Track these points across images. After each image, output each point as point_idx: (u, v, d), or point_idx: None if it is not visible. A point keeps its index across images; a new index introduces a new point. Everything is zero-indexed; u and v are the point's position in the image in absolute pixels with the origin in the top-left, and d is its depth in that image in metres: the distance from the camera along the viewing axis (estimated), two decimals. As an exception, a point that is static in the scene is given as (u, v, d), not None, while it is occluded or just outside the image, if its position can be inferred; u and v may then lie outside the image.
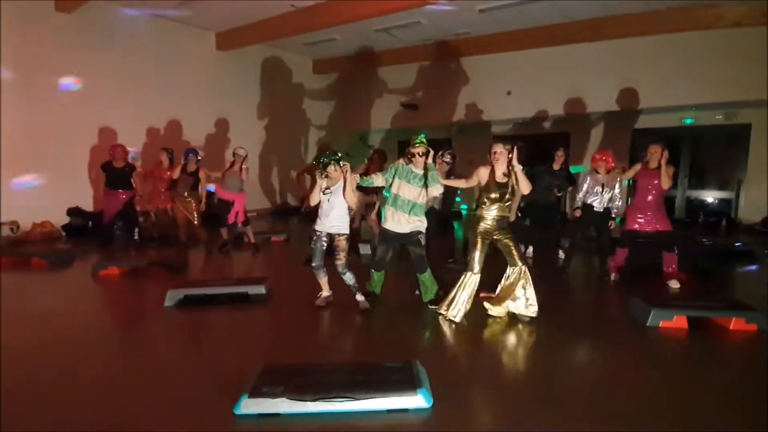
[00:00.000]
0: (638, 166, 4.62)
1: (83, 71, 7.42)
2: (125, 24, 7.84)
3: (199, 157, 5.97)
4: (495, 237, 3.49)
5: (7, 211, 6.67)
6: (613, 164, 4.72)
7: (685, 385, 2.52)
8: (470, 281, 3.46)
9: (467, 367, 2.76)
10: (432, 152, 3.57)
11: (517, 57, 9.22)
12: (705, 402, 2.33)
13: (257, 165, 10.24)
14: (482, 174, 3.47)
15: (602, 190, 4.69)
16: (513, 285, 3.47)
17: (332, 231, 3.61)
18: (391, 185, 3.64)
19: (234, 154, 6.00)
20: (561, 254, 5.69)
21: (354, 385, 2.23)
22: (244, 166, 5.95)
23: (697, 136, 9.06)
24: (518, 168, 3.33)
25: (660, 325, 3.31)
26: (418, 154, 3.51)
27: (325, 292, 3.81)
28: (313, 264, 3.69)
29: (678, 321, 3.31)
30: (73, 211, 7.38)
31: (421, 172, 3.58)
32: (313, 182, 3.63)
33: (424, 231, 3.68)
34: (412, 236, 3.64)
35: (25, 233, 6.82)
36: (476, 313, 3.60)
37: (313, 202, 3.63)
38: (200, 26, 8.80)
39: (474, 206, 3.76)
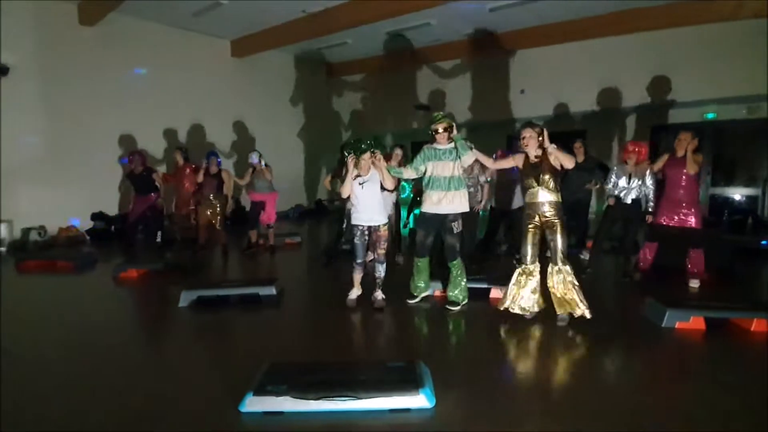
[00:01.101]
0: (665, 157, 4.38)
1: (105, 81, 7.71)
2: (144, 34, 8.11)
3: (219, 159, 6.12)
4: (546, 227, 3.30)
5: (35, 216, 6.98)
6: (645, 157, 4.48)
7: (701, 390, 2.44)
8: (523, 277, 3.32)
9: (472, 367, 2.74)
10: (455, 125, 3.56)
11: (530, 55, 9.10)
12: (722, 407, 2.24)
13: (274, 168, 10.40)
14: (518, 159, 3.39)
15: (629, 182, 4.45)
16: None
17: (373, 223, 3.57)
18: (424, 174, 3.63)
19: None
20: (584, 255, 5.47)
21: (357, 384, 2.24)
22: (264, 167, 6.09)
23: (720, 131, 8.73)
24: (552, 146, 3.19)
25: (676, 326, 3.21)
26: (442, 129, 3.52)
27: (357, 291, 3.77)
28: (358, 260, 3.64)
29: (695, 322, 3.20)
30: (96, 216, 7.66)
31: (447, 146, 3.56)
32: (343, 179, 3.57)
33: (460, 215, 3.59)
34: (448, 221, 3.57)
35: (51, 237, 7.11)
36: (483, 314, 3.57)
37: (345, 194, 3.56)
38: (215, 35, 9.02)
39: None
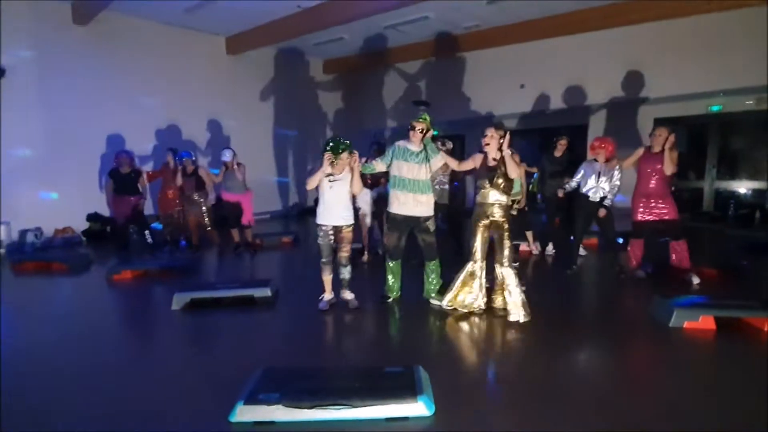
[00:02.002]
0: (640, 151, 4.35)
1: (99, 81, 7.60)
2: (137, 33, 7.99)
3: (193, 158, 5.98)
4: (494, 228, 3.41)
5: (31, 218, 6.89)
6: (612, 152, 4.46)
7: (712, 393, 2.33)
8: (469, 269, 3.45)
9: (473, 371, 2.64)
10: (431, 131, 3.57)
11: (529, 48, 8.95)
12: (735, 411, 2.14)
13: (273, 166, 10.33)
14: (477, 159, 3.44)
15: (598, 179, 4.44)
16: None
17: (339, 222, 3.51)
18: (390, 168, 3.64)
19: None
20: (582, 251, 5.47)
21: (352, 392, 2.14)
22: (235, 165, 5.94)
23: (726, 123, 8.58)
24: (507, 152, 3.25)
25: (684, 326, 3.09)
26: (418, 129, 3.51)
27: (328, 295, 3.69)
28: (323, 259, 3.58)
29: (705, 321, 3.08)
30: (92, 217, 7.57)
31: (418, 149, 3.56)
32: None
33: (432, 216, 3.63)
34: (421, 222, 3.57)
35: (47, 239, 7.03)
36: (485, 316, 3.46)
37: (311, 186, 3.48)
38: (210, 31, 8.89)
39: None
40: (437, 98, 10.30)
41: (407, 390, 2.14)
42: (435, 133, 3.77)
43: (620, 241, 4.90)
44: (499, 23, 8.57)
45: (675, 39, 7.62)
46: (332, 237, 3.53)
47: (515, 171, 3.30)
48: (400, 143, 3.63)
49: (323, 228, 3.53)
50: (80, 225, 7.50)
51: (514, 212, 4.77)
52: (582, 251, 5.45)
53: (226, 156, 5.94)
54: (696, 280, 4.18)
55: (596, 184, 4.45)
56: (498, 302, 3.47)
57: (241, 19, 8.18)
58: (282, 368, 2.46)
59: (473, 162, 3.48)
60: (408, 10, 7.58)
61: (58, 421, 2.14)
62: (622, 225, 4.79)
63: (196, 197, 5.99)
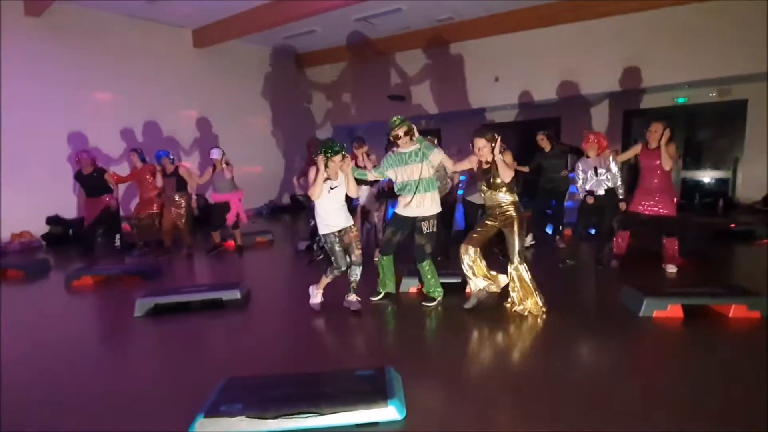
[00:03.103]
0: (638, 147, 4.39)
1: (53, 75, 7.19)
2: (96, 24, 7.59)
3: (171, 157, 5.78)
4: (502, 227, 3.34)
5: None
6: (605, 148, 4.48)
7: (680, 380, 2.35)
8: (473, 264, 3.40)
9: (447, 370, 2.58)
10: (414, 128, 3.48)
11: (503, 41, 8.98)
12: (702, 398, 2.16)
13: (244, 163, 10.02)
14: (473, 160, 3.37)
15: (596, 174, 4.45)
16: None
17: (342, 225, 3.39)
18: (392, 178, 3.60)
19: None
20: (561, 243, 5.57)
21: (320, 398, 2.05)
22: (224, 165, 5.77)
23: (691, 115, 8.85)
24: (498, 157, 3.20)
25: (654, 315, 3.13)
26: (402, 134, 3.42)
27: (320, 297, 3.56)
28: (344, 268, 3.41)
29: (673, 310, 3.13)
30: (52, 220, 7.19)
31: (412, 148, 3.47)
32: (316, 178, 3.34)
33: (433, 216, 3.55)
34: (418, 222, 3.52)
35: (4, 244, 6.63)
36: (458, 310, 3.43)
37: (316, 196, 3.29)
38: (174, 24, 8.53)
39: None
40: (412, 92, 10.25)
41: (378, 394, 2.07)
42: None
43: (592, 232, 4.97)
44: (473, 15, 8.54)
45: (645, 33, 7.77)
46: (339, 242, 3.39)
47: (507, 175, 3.21)
48: (393, 150, 3.54)
49: (331, 237, 3.37)
50: (40, 228, 7.11)
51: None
52: (561, 243, 5.54)
53: (215, 154, 5.76)
54: (673, 269, 4.24)
55: (597, 178, 4.45)
56: (518, 304, 3.36)
57: (205, 11, 7.88)
58: (247, 377, 2.34)
59: (469, 162, 3.40)
60: (379, 3, 7.46)
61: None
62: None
63: (176, 198, 5.74)
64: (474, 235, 3.39)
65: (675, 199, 4.32)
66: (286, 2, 7.23)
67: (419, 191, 3.45)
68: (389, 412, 2.00)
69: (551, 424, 1.98)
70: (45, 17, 6.98)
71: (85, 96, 7.55)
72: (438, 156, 3.47)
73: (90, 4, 7.31)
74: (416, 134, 3.49)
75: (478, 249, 3.40)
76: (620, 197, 4.42)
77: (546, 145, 5.50)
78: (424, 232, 3.51)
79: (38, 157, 7.05)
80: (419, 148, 3.47)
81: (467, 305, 3.41)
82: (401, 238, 3.64)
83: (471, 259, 3.38)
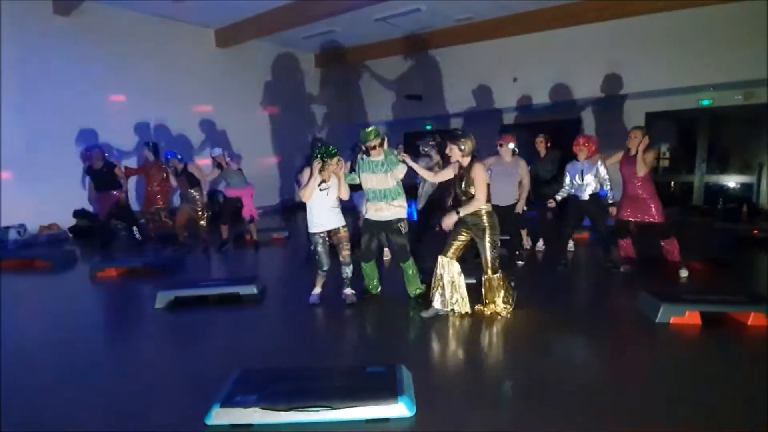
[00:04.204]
0: (620, 154, 4.41)
1: (83, 74, 7.43)
2: (123, 24, 7.81)
3: (179, 156, 5.90)
4: (473, 236, 3.30)
5: (16, 214, 6.75)
6: (594, 152, 4.42)
7: (698, 388, 2.32)
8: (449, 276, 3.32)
9: (456, 370, 2.61)
10: (386, 138, 3.58)
11: (522, 41, 8.89)
12: (720, 406, 2.13)
13: (263, 161, 10.20)
14: (454, 169, 3.37)
15: (583, 178, 4.41)
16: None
17: (331, 226, 3.53)
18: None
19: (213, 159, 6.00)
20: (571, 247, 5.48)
21: (332, 393, 2.10)
22: (227, 159, 5.96)
23: (716, 118, 8.60)
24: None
25: (671, 321, 3.09)
26: (372, 150, 3.49)
27: (318, 289, 3.71)
28: (325, 268, 3.61)
29: (690, 317, 3.08)
30: (78, 213, 7.45)
31: (379, 158, 3.54)
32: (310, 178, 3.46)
33: (405, 217, 3.64)
34: (393, 224, 3.59)
35: (32, 236, 6.90)
36: (468, 313, 3.43)
37: (307, 198, 3.45)
38: (198, 23, 8.72)
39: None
40: (429, 91, 10.23)
41: (388, 390, 2.11)
42: (428, 127, 3.76)
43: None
44: (492, 16, 8.48)
45: (669, 33, 7.59)
46: (328, 242, 3.54)
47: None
48: (363, 157, 3.60)
49: (319, 235, 3.53)
50: (67, 221, 7.37)
51: (520, 211, 4.83)
52: (571, 246, 5.47)
53: (217, 151, 5.95)
54: (684, 273, 4.20)
55: (582, 182, 4.43)
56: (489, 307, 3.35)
57: (229, 11, 8.03)
58: (260, 370, 2.41)
59: (450, 171, 3.37)
60: (399, 3, 7.48)
61: (38, 421, 2.10)
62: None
63: (193, 192, 5.89)
64: (449, 248, 3.32)
65: (658, 204, 4.24)
66: (307, 3, 7.31)
67: (385, 200, 3.54)
68: (399, 409, 2.03)
69: (564, 425, 1.98)
70: (73, 16, 7.22)
71: (110, 93, 7.77)
72: (401, 172, 3.52)
73: (118, 3, 7.52)
74: (386, 145, 3.56)
75: (456, 263, 3.31)
76: (609, 202, 4.42)
77: (542, 149, 5.44)
78: (403, 233, 3.60)
79: (66, 151, 7.29)
80: (384, 160, 3.52)
81: (425, 314, 3.33)
82: (377, 243, 3.78)
83: (450, 275, 3.28)
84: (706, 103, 8.41)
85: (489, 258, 3.22)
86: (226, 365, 2.54)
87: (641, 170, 4.14)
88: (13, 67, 6.76)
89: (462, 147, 3.19)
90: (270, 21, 8.10)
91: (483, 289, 3.34)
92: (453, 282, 3.29)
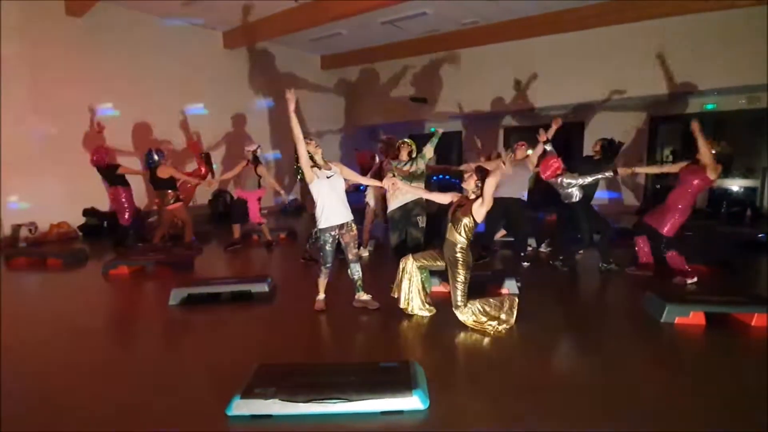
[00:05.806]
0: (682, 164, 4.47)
1: (95, 74, 7.54)
2: (132, 26, 7.93)
3: (155, 157, 5.94)
4: (448, 265, 3.31)
5: (27, 213, 6.87)
6: (557, 167, 4.62)
7: (702, 387, 2.38)
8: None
9: (467, 366, 2.68)
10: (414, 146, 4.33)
11: (529, 45, 8.96)
12: (724, 405, 2.19)
13: (269, 163, 10.28)
14: (455, 195, 3.38)
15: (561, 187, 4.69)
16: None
17: (342, 220, 3.35)
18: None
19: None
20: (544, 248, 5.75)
21: (348, 386, 2.17)
22: (260, 162, 6.08)
23: (720, 122, 8.65)
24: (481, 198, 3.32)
25: (675, 321, 3.15)
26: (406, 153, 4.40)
27: (322, 295, 3.60)
28: (328, 265, 3.43)
29: (695, 317, 3.14)
30: (88, 212, 7.55)
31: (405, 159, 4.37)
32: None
33: (423, 210, 3.92)
34: (413, 217, 3.81)
35: (42, 234, 7.00)
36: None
37: (309, 179, 3.28)
38: (207, 25, 8.83)
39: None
40: (434, 94, 10.32)
41: (402, 384, 2.18)
42: (432, 129, 3.96)
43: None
44: (498, 20, 8.56)
45: (673, 38, 7.66)
46: (338, 239, 3.39)
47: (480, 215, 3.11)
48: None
49: (330, 232, 3.33)
50: (77, 220, 7.47)
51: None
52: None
53: (251, 148, 6.01)
54: (690, 280, 4.15)
55: (564, 190, 4.74)
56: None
57: (237, 14, 8.13)
58: (278, 364, 2.49)
59: (449, 198, 3.35)
60: (406, 6, 7.57)
61: (56, 418, 2.16)
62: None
63: (166, 195, 6.00)
64: (422, 257, 3.34)
65: (677, 220, 4.20)
66: (315, 6, 7.40)
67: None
68: (413, 402, 2.10)
69: (573, 424, 2.04)
70: (86, 18, 7.32)
71: (119, 93, 7.87)
72: (429, 152, 4.37)
73: (128, 4, 7.63)
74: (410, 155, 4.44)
75: (418, 270, 3.33)
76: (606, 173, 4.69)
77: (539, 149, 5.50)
78: (420, 226, 3.77)
79: (75, 150, 7.39)
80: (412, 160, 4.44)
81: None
82: (404, 237, 4.19)
83: (409, 275, 3.32)
84: (710, 107, 8.47)
85: (457, 292, 3.12)
86: (242, 360, 2.62)
87: (712, 174, 4.10)
88: (26, 66, 6.87)
89: (479, 185, 3.10)
90: (277, 24, 8.19)
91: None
92: (411, 279, 3.35)
